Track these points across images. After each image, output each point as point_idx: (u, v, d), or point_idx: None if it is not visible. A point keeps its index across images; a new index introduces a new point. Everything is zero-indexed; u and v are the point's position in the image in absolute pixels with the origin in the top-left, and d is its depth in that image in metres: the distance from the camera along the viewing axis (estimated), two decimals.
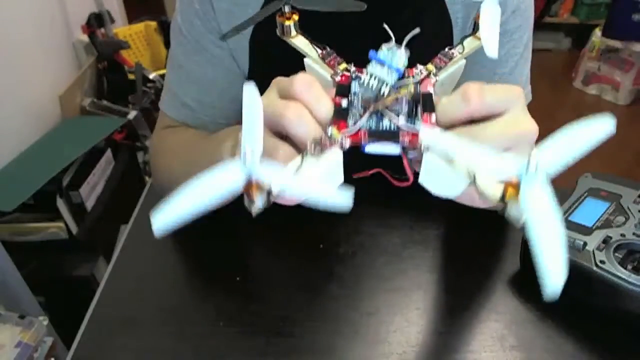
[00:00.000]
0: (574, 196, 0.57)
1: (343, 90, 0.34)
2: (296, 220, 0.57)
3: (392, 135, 0.32)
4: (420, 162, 0.31)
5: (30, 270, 1.19)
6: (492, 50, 0.32)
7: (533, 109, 0.69)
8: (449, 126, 0.33)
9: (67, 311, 0.94)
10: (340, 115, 0.33)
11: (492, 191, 0.28)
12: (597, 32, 2.71)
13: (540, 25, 2.98)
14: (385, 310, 0.52)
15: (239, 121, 0.29)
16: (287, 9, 0.36)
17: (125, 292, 0.57)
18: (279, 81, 0.35)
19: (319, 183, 0.28)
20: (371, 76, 0.33)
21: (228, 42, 0.61)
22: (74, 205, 1.33)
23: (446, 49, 0.36)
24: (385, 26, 0.33)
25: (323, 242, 0.61)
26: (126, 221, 0.68)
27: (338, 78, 0.35)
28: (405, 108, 0.33)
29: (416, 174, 0.32)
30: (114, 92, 1.83)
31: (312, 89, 0.33)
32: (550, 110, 2.63)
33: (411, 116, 0.33)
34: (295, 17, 0.36)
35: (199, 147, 0.56)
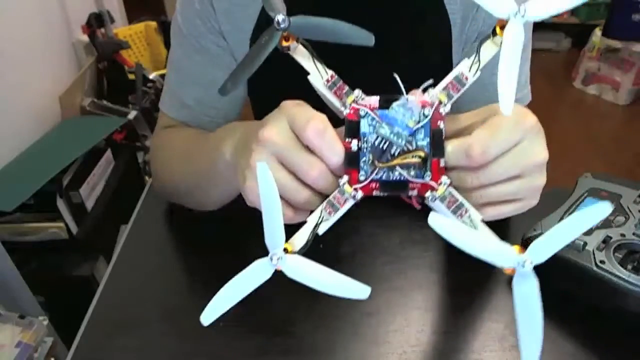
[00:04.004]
0: (574, 196, 0.57)
1: (352, 130, 0.34)
2: None
3: (402, 186, 0.34)
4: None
5: (30, 270, 1.20)
6: (507, 109, 0.31)
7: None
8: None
9: (67, 311, 0.94)
10: (351, 162, 0.34)
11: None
12: (597, 32, 2.71)
13: (540, 25, 2.98)
14: (385, 310, 0.52)
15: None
16: (282, 38, 0.34)
17: (125, 292, 0.57)
18: (291, 114, 0.35)
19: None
20: (382, 139, 0.33)
21: (228, 42, 0.61)
22: (74, 205, 1.33)
23: (461, 72, 0.34)
24: (396, 76, 0.33)
25: (322, 242, 0.61)
26: (126, 221, 0.68)
27: (346, 112, 0.34)
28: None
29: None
30: (114, 92, 1.83)
31: (324, 137, 0.33)
32: (550, 110, 2.63)
33: (421, 168, 0.33)
34: (293, 39, 0.35)
35: (198, 146, 0.56)
